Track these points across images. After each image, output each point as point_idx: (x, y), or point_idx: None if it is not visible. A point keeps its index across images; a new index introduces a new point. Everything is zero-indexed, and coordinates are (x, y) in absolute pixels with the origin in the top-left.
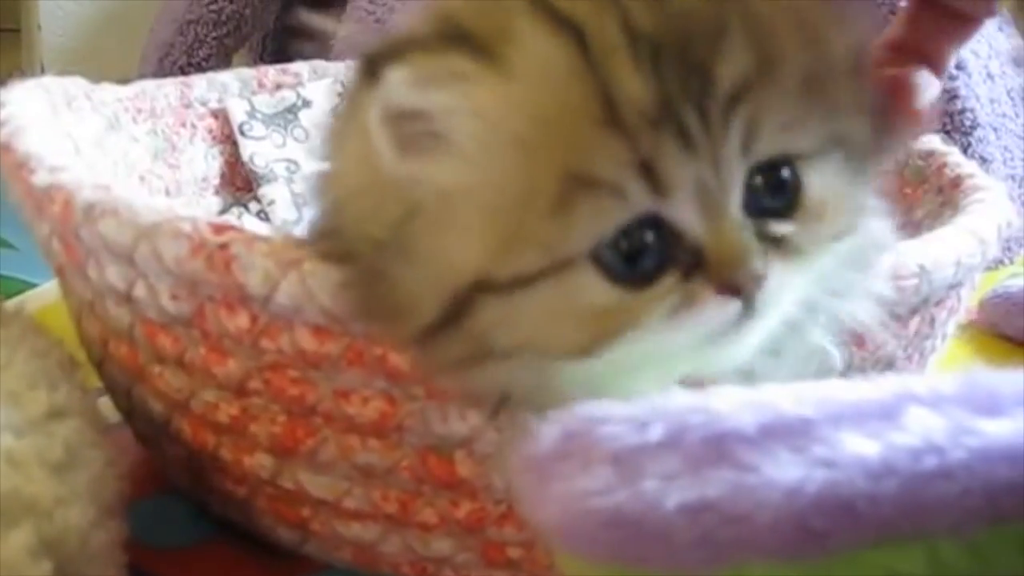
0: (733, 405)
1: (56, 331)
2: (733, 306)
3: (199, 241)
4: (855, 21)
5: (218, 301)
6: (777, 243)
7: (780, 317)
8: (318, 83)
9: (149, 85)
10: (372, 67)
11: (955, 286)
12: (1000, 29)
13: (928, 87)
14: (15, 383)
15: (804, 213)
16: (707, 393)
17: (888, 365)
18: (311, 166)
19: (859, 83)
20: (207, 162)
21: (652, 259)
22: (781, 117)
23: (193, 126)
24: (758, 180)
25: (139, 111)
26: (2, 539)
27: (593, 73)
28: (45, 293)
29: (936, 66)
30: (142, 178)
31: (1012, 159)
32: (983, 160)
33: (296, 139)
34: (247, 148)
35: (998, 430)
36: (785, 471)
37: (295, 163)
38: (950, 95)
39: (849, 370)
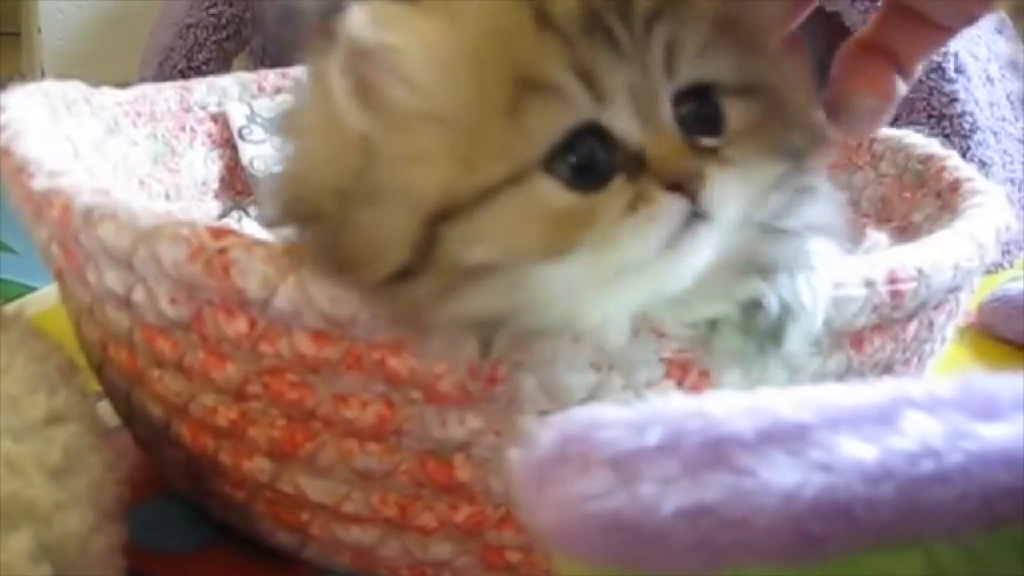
0: (731, 410)
1: (55, 335)
2: (681, 203)
3: (198, 245)
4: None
5: (217, 305)
6: (710, 154)
7: (728, 226)
8: None
9: (149, 89)
10: (328, 27)
11: (954, 290)
12: (999, 33)
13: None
14: (14, 387)
15: (729, 136)
16: (705, 398)
17: (886, 369)
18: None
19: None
20: (207, 166)
21: (599, 167)
22: (696, 41)
23: (193, 130)
24: (684, 108)
25: (139, 115)
26: (1, 543)
27: None
28: (44, 297)
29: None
30: (142, 182)
31: (1011, 163)
32: (982, 164)
33: None
34: (247, 152)
35: (995, 434)
36: (783, 475)
37: None
38: (949, 98)
39: (847, 374)
